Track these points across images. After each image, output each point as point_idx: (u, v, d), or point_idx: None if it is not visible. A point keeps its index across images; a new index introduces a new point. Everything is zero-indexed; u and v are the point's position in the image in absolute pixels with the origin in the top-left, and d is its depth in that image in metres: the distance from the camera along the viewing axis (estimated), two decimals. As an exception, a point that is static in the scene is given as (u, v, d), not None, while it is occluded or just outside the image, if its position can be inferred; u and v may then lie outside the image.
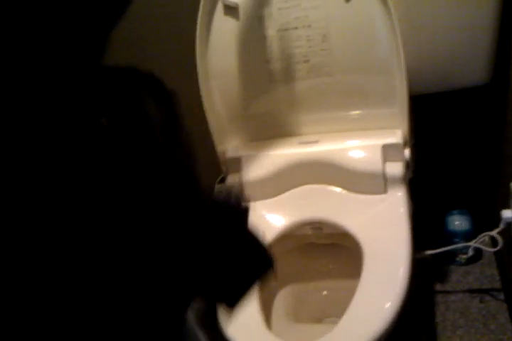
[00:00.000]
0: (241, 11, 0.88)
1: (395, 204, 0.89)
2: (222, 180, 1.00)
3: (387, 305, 0.75)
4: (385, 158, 0.90)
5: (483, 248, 1.11)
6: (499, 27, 0.90)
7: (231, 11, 0.88)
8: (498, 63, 0.95)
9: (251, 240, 0.52)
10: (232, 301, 0.50)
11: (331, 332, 0.75)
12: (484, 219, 1.18)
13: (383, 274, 0.81)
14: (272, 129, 0.97)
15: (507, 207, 0.97)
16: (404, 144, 0.91)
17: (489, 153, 1.14)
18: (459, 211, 1.21)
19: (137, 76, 0.47)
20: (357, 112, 0.94)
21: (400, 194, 0.90)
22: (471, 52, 0.92)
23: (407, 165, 0.92)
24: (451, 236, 1.20)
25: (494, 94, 1.03)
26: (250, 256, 0.52)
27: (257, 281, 0.55)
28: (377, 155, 0.90)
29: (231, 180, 0.96)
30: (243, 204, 0.52)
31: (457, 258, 1.22)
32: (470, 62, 0.94)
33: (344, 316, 0.76)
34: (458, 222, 1.20)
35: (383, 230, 0.87)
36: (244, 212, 0.52)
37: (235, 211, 0.51)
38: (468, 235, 1.17)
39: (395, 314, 0.75)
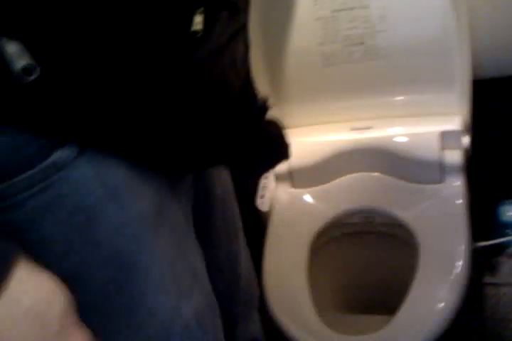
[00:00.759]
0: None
1: (453, 194, 0.85)
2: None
3: (446, 303, 0.73)
4: (443, 146, 0.86)
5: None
6: None
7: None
8: None
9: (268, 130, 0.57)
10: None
11: (388, 326, 0.72)
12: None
13: (441, 269, 0.78)
14: (323, 114, 0.93)
15: None
16: (464, 131, 0.87)
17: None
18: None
19: None
20: (413, 97, 0.89)
21: (458, 184, 0.86)
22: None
23: (467, 154, 0.87)
24: (503, 227, 1.14)
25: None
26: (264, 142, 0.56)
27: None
28: (435, 143, 0.86)
29: (279, 166, 0.93)
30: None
31: (508, 250, 1.17)
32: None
33: (401, 310, 0.73)
34: (511, 213, 1.14)
35: (440, 222, 0.83)
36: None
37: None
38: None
39: (454, 311, 0.72)
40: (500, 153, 1.14)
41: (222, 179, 0.67)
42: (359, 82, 0.89)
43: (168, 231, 0.49)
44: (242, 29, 0.49)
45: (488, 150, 1.13)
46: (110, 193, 0.44)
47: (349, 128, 0.91)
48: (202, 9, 0.41)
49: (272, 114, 0.94)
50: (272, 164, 0.63)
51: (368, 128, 0.90)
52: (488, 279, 1.15)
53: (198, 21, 0.41)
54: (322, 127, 0.94)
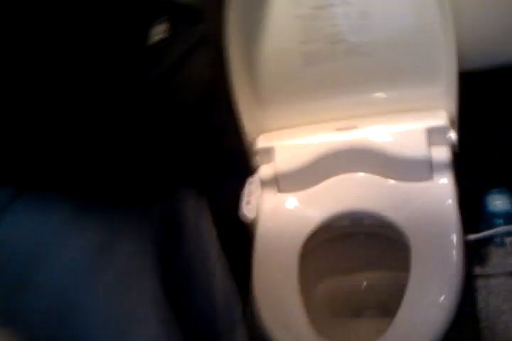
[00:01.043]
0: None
1: (442, 192, 0.83)
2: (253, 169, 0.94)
3: (445, 305, 0.71)
4: (430, 142, 0.83)
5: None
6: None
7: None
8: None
9: None
10: None
11: (388, 333, 0.70)
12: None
13: (435, 270, 0.76)
14: (307, 115, 0.90)
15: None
16: (451, 126, 0.85)
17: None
18: (498, 190, 1.15)
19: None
20: (398, 93, 0.87)
21: (446, 180, 0.84)
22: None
23: (454, 149, 0.85)
24: (490, 217, 1.14)
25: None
26: None
27: None
28: (422, 140, 0.83)
29: (264, 171, 0.90)
30: None
31: (496, 240, 1.17)
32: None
33: (399, 315, 0.72)
34: (498, 202, 1.14)
35: (431, 221, 0.81)
36: None
37: None
38: (510, 216, 1.11)
39: (453, 313, 0.71)
40: (483, 143, 1.13)
41: (194, 204, 0.63)
42: (342, 80, 0.86)
43: (114, 266, 0.47)
44: (202, 41, 0.46)
45: (470, 141, 1.11)
46: (51, 233, 0.41)
47: (334, 128, 0.89)
48: (164, 18, 0.38)
49: (254, 116, 0.91)
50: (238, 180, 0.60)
51: (353, 127, 0.87)
52: (478, 271, 1.15)
53: (157, 32, 0.38)
54: (306, 128, 0.91)
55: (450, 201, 0.82)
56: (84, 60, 0.35)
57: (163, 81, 0.40)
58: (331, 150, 0.87)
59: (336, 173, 0.88)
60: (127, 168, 0.42)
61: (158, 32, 0.38)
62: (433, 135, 0.84)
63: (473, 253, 1.17)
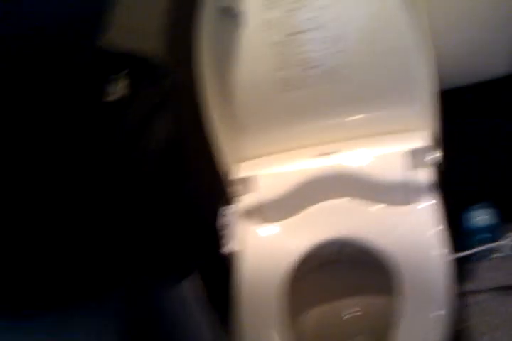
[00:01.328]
0: (245, 16, 0.77)
1: (428, 215, 0.81)
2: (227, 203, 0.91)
3: (441, 322, 0.69)
4: (414, 165, 0.82)
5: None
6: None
7: (234, 16, 0.77)
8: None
9: None
10: None
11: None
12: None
13: (426, 291, 0.74)
14: (286, 141, 0.88)
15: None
16: (434, 147, 0.83)
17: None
18: (480, 205, 1.14)
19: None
20: (378, 115, 0.85)
21: (431, 203, 0.82)
22: (498, 39, 0.84)
23: (438, 169, 0.84)
24: (470, 234, 1.13)
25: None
26: None
27: None
28: (404, 163, 0.82)
29: (246, 201, 0.87)
30: None
31: (481, 255, 1.16)
32: (497, 50, 0.85)
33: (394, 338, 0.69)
34: (482, 217, 1.13)
35: (417, 245, 0.79)
36: None
37: None
38: (495, 232, 1.11)
39: (451, 329, 0.69)
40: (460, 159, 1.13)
41: (173, 294, 0.59)
42: (320, 105, 0.84)
43: None
44: (166, 100, 0.43)
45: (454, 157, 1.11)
46: None
47: (314, 154, 0.86)
48: (124, 73, 0.35)
49: (232, 145, 0.89)
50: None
51: (334, 152, 0.85)
52: (465, 287, 1.14)
53: (115, 89, 0.35)
54: (286, 155, 0.88)
55: (436, 223, 0.80)
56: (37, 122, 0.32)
57: (122, 152, 0.36)
58: (313, 177, 0.84)
59: (319, 200, 0.86)
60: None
61: (117, 89, 0.34)
62: (415, 157, 0.82)
63: (460, 270, 1.16)
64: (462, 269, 1.16)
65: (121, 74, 0.35)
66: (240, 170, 0.88)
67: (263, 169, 0.86)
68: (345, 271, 0.91)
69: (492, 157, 1.12)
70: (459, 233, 1.14)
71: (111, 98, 0.34)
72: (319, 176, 0.84)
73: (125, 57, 0.36)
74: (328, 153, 0.85)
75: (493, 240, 1.08)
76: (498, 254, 1.10)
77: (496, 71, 0.88)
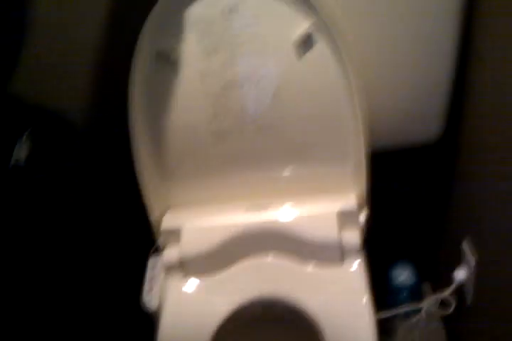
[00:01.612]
0: (181, 66, 0.76)
1: (354, 276, 0.81)
2: (156, 251, 0.87)
3: None
4: (341, 226, 0.82)
5: (436, 311, 1.06)
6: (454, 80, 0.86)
7: (170, 65, 0.76)
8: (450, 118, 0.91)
9: None
10: None
11: None
12: (430, 274, 1.15)
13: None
14: (215, 194, 0.86)
15: (458, 266, 0.93)
16: (362, 207, 0.84)
17: (438, 210, 1.11)
18: (402, 264, 1.17)
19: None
20: (309, 172, 0.85)
21: (358, 264, 0.82)
22: (426, 105, 0.88)
23: (365, 229, 0.85)
24: (396, 293, 1.15)
25: (445, 149, 1.00)
26: None
27: None
28: (332, 224, 0.82)
29: (168, 254, 0.83)
30: None
31: (402, 313, 1.17)
32: (424, 116, 0.89)
33: None
34: (403, 277, 1.15)
35: (343, 306, 0.78)
36: None
37: None
38: (415, 290, 1.13)
39: None
40: (392, 219, 1.16)
41: None
42: (253, 159, 0.84)
43: None
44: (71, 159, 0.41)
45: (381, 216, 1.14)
46: None
47: (243, 208, 0.85)
48: (27, 133, 0.32)
49: (160, 194, 0.86)
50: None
51: (263, 207, 0.84)
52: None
53: (19, 152, 0.32)
54: (215, 207, 0.86)
55: (361, 285, 0.80)
56: None
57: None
58: (240, 232, 0.82)
59: (245, 257, 0.84)
60: None
61: (20, 151, 0.32)
62: (344, 217, 0.83)
63: (382, 329, 1.16)
64: (384, 328, 1.16)
65: (23, 135, 0.32)
66: (165, 221, 0.85)
67: (189, 221, 0.84)
68: (271, 331, 0.89)
69: (413, 218, 1.16)
70: (383, 291, 1.15)
71: (14, 162, 0.31)
72: (247, 232, 0.82)
73: (28, 114, 0.34)
74: (257, 208, 0.84)
75: (415, 299, 1.09)
76: (418, 314, 1.12)
77: (424, 137, 0.91)
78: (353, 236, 0.82)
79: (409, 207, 1.14)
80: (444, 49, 0.81)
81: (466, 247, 0.89)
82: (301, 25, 0.74)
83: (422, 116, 0.88)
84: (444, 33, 0.80)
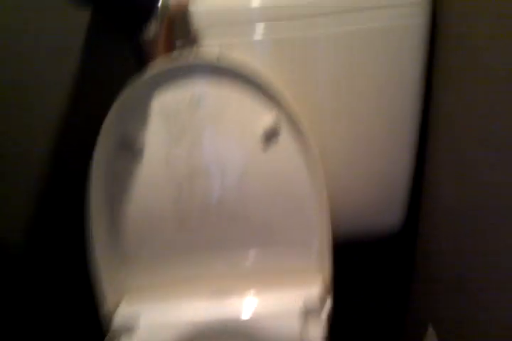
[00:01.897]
0: (145, 154, 0.75)
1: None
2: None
3: None
4: (306, 319, 0.79)
5: None
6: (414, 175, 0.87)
7: (134, 152, 0.75)
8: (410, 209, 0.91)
9: None
10: None
11: None
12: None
13: None
14: (176, 280, 0.82)
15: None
16: (323, 302, 0.81)
17: (400, 298, 1.09)
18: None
19: None
20: (273, 261, 0.83)
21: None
22: (386, 197, 0.88)
23: (327, 325, 0.81)
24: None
25: (405, 241, 1.00)
26: None
27: None
28: (295, 323, 0.78)
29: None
30: None
31: None
32: (384, 207, 0.89)
33: None
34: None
35: None
36: None
37: None
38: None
39: None
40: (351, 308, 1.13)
41: None
42: (215, 246, 0.81)
43: None
44: None
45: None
46: None
47: (206, 296, 0.81)
48: None
49: (115, 283, 0.81)
50: None
51: (226, 295, 0.81)
52: None
53: None
54: (175, 296, 0.82)
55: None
56: None
57: None
58: (200, 330, 0.78)
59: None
60: None
61: None
62: (307, 315, 0.79)
63: None
64: None
65: None
66: (119, 314, 0.79)
67: (145, 315, 0.79)
68: None
69: (376, 307, 1.14)
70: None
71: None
72: (207, 330, 0.78)
73: None
74: (220, 294, 0.81)
75: None
76: None
77: (386, 227, 0.91)
78: (316, 335, 0.79)
79: (372, 296, 1.12)
80: (405, 142, 0.83)
81: (430, 334, 0.87)
82: (266, 116, 0.75)
83: (382, 207, 0.89)
84: (405, 128, 0.82)
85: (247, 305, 0.81)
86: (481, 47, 0.61)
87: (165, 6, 0.71)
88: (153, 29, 0.71)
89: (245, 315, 0.79)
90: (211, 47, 0.75)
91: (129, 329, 0.77)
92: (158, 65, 0.72)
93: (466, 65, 0.66)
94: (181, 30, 0.75)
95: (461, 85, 0.69)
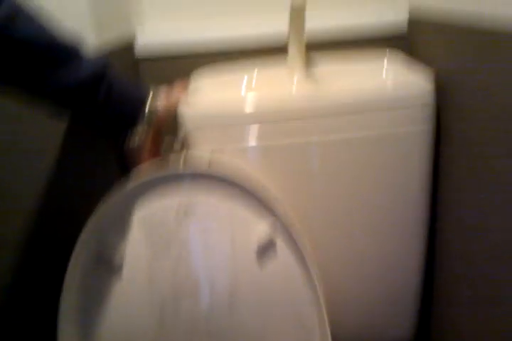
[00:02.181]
0: (124, 271, 0.67)
1: None
2: None
3: None
4: None
5: None
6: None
7: (112, 269, 0.67)
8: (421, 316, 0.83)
9: None
10: None
11: None
12: None
13: None
14: None
15: None
16: None
17: None
18: None
19: None
20: None
21: None
22: (395, 311, 0.80)
23: None
24: None
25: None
26: None
27: None
28: None
29: None
30: None
31: None
32: (396, 314, 0.80)
33: None
34: None
35: None
36: None
37: None
38: None
39: None
40: None
41: None
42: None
43: None
44: None
45: None
46: None
47: None
48: None
49: None
50: None
51: None
52: None
53: None
54: None
55: None
56: None
57: None
58: None
59: None
60: None
61: None
62: None
63: None
64: None
65: None
66: None
67: None
68: None
69: None
70: None
71: None
72: None
73: None
74: None
75: None
76: None
77: (397, 336, 0.82)
78: None
79: None
80: (415, 251, 0.77)
81: None
82: (260, 226, 0.68)
83: (390, 320, 0.80)
84: (415, 236, 0.76)
85: None
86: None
87: (152, 110, 0.66)
88: (139, 135, 0.66)
89: None
90: (201, 151, 0.70)
91: None
92: (143, 173, 0.66)
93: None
94: (169, 134, 0.71)
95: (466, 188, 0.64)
